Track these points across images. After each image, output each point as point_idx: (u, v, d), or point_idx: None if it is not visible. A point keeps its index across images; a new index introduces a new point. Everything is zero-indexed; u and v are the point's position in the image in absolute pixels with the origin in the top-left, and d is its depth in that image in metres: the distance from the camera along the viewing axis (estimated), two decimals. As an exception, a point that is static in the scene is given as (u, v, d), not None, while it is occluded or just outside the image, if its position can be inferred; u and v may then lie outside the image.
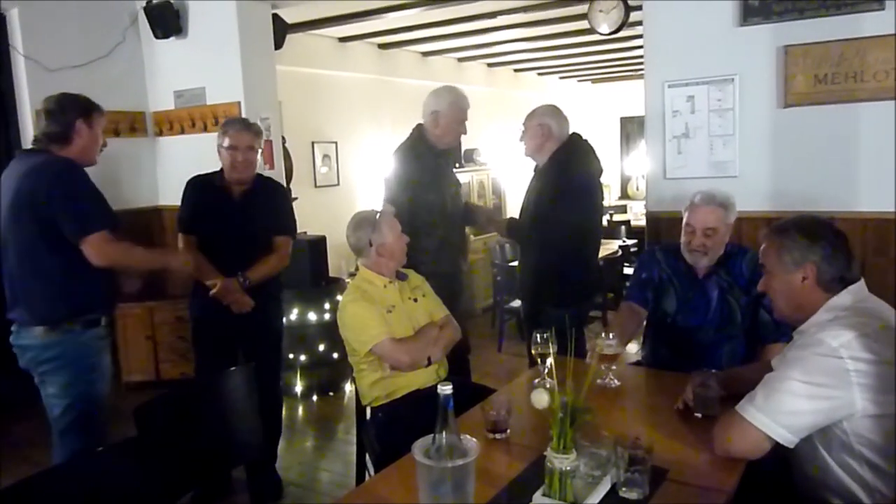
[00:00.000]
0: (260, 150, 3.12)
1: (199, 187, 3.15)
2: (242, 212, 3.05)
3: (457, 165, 7.23)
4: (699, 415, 1.97)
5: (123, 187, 4.58)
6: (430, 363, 2.55)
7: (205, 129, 4.69)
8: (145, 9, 4.71)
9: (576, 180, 3.12)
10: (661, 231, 3.55)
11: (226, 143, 3.02)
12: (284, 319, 4.49)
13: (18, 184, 2.48)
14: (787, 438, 1.62)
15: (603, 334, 2.23)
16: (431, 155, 3.28)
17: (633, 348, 5.44)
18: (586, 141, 3.27)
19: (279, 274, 3.30)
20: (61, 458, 2.58)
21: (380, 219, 2.63)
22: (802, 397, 1.61)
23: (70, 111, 2.59)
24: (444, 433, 1.37)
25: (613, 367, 2.28)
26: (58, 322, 2.51)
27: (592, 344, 2.37)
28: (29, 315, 2.52)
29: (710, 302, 2.53)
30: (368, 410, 2.66)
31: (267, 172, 4.80)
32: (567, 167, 3.13)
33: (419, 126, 3.35)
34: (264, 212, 3.11)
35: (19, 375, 2.65)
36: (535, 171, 3.32)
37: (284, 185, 4.85)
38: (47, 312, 2.51)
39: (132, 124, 4.90)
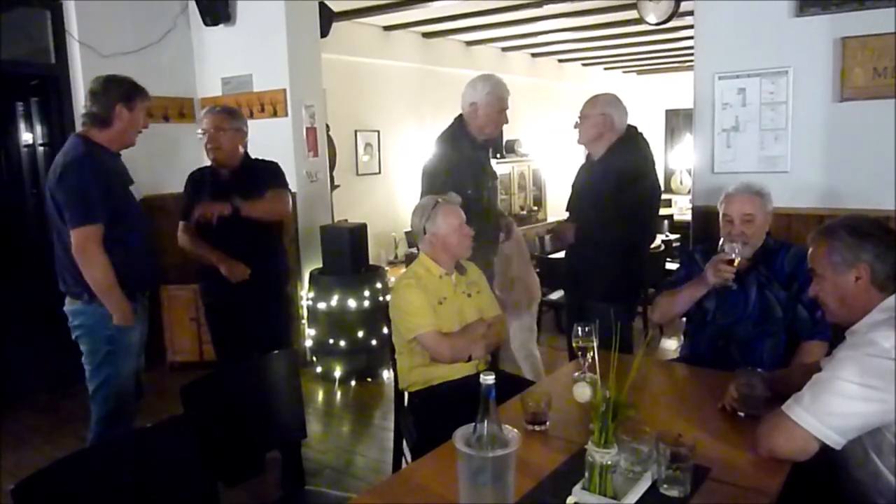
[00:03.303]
0: (237, 133, 3.16)
1: (195, 176, 3.29)
2: (231, 191, 3.09)
3: (497, 156, 7.21)
4: (742, 414, 1.93)
5: (171, 171, 4.68)
6: (470, 360, 2.55)
7: (251, 116, 4.77)
8: (195, -4, 4.80)
9: (641, 173, 3.07)
10: (707, 226, 3.48)
11: (200, 128, 3.16)
12: (324, 305, 4.58)
13: (53, 166, 2.71)
14: (835, 440, 1.58)
15: (725, 245, 2.41)
16: (471, 147, 3.27)
17: (673, 345, 5.38)
18: (642, 134, 3.21)
19: (285, 257, 3.39)
20: (92, 425, 2.81)
21: (436, 208, 2.62)
22: (852, 398, 1.56)
23: (112, 95, 2.71)
24: (485, 422, 1.37)
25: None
26: (79, 294, 2.70)
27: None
28: (63, 284, 2.75)
29: (749, 297, 2.51)
30: (406, 396, 2.68)
31: (310, 160, 4.88)
32: (631, 159, 3.07)
33: (460, 116, 3.34)
34: (253, 186, 3.15)
35: (68, 352, 2.79)
36: (587, 161, 3.26)
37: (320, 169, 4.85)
38: (71, 284, 2.71)
39: (181, 110, 5.01)
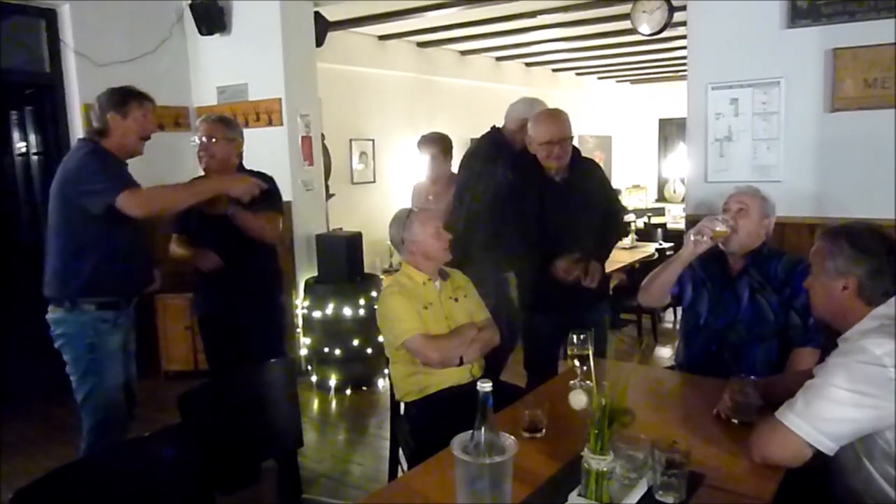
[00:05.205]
0: (231, 143, 3.11)
1: None
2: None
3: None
4: (736, 421, 1.95)
5: (166, 180, 4.66)
6: (461, 363, 2.55)
7: (246, 125, 4.78)
8: (191, 6, 4.82)
9: (601, 168, 3.18)
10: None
11: (195, 135, 3.13)
12: (319, 314, 4.58)
13: (60, 168, 2.72)
14: (828, 446, 1.60)
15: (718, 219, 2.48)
16: (510, 157, 3.32)
17: (667, 353, 5.39)
18: None
19: (279, 271, 3.37)
20: (84, 434, 2.79)
21: (411, 216, 2.65)
22: (844, 405, 1.58)
23: (104, 105, 2.76)
24: (482, 429, 1.38)
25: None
26: (61, 300, 2.69)
27: None
28: (48, 288, 2.72)
29: (741, 300, 2.53)
30: (402, 406, 2.68)
31: (306, 169, 4.89)
32: (589, 160, 3.14)
33: (495, 128, 3.42)
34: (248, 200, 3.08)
35: (60, 361, 2.78)
36: (545, 184, 3.00)
37: (327, 179, 4.86)
38: (57, 289, 2.70)
39: (176, 119, 5.02)
